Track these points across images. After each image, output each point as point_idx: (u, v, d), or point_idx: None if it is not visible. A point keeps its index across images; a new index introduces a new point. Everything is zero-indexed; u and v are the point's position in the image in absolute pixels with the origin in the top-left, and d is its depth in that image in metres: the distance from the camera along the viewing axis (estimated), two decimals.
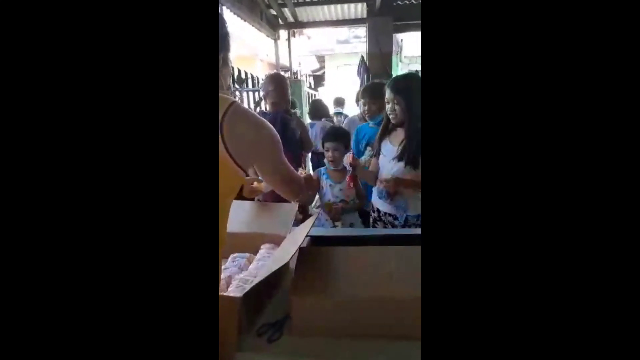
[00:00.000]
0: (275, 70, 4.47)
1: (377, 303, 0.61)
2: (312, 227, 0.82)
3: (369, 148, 1.52)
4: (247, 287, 0.67)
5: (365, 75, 3.47)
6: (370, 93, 1.79)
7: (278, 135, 0.67)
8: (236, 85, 2.87)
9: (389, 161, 1.30)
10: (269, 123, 0.66)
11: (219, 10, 2.66)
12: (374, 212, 1.40)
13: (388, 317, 0.60)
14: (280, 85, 1.70)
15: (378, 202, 1.37)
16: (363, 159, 1.48)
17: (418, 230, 1.22)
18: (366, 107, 1.79)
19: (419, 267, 0.57)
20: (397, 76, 1.35)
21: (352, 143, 1.79)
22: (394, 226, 1.32)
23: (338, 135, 1.48)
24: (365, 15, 3.98)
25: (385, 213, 1.34)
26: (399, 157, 1.26)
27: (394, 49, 4.20)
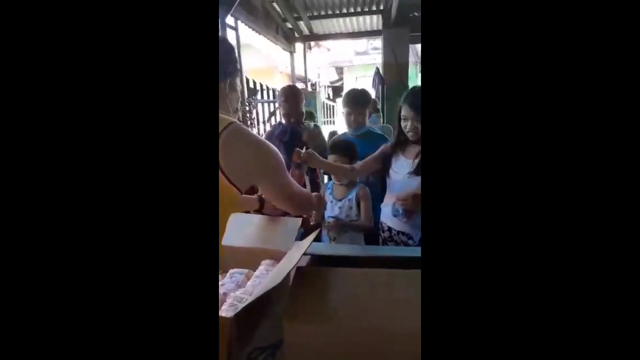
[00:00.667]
0: (290, 83, 4.53)
1: (378, 334, 0.56)
2: (312, 242, 0.79)
3: (359, 162, 1.39)
4: (241, 307, 0.63)
5: (380, 87, 3.44)
6: (356, 101, 1.59)
7: (279, 155, 0.66)
8: (247, 98, 2.90)
9: (403, 177, 1.23)
10: (269, 143, 0.65)
11: (236, 33, 2.74)
12: (384, 231, 1.32)
13: (389, 349, 0.55)
14: (291, 98, 1.69)
15: (389, 221, 1.28)
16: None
17: None
18: (352, 117, 1.57)
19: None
20: (412, 90, 1.23)
21: None
22: (406, 245, 1.25)
23: (341, 147, 1.40)
24: (381, 27, 3.97)
25: (398, 232, 1.26)
26: (416, 172, 1.18)
27: (413, 59, 4.15)
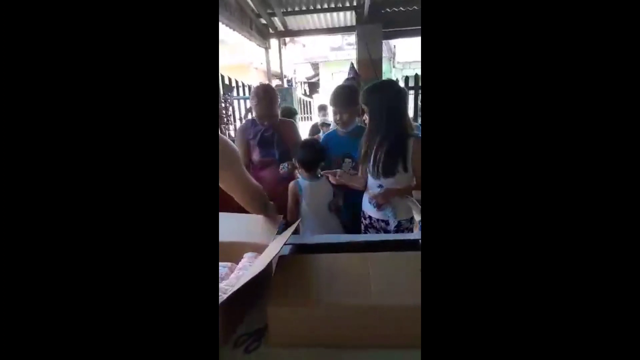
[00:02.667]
0: (264, 81, 4.47)
1: (357, 312, 0.59)
2: (290, 235, 0.82)
3: (347, 160, 1.47)
4: (225, 297, 0.66)
5: (355, 82, 3.49)
6: (343, 101, 1.50)
7: (234, 146, 0.71)
8: (223, 94, 2.87)
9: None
10: (223, 136, 0.70)
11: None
12: (365, 218, 1.40)
13: (367, 326, 0.59)
14: (264, 99, 1.59)
15: (369, 209, 1.36)
16: (342, 171, 1.43)
17: (407, 236, 1.22)
18: (339, 117, 1.51)
19: (404, 275, 0.59)
20: (364, 90, 1.33)
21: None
22: (386, 231, 1.32)
23: (306, 161, 1.44)
24: (354, 23, 4.02)
25: (377, 219, 1.35)
26: (372, 164, 1.29)
27: (386, 55, 4.23)
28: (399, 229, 1.31)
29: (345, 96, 1.51)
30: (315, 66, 9.71)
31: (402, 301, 0.58)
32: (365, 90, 1.29)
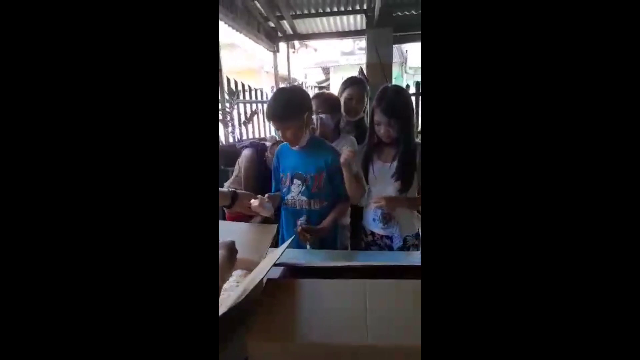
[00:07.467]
0: (273, 85, 4.37)
1: (349, 352, 0.52)
2: (283, 253, 0.74)
3: (297, 181, 1.21)
4: None
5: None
6: (280, 112, 1.10)
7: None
8: (227, 98, 2.81)
9: (382, 181, 1.22)
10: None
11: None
12: (366, 235, 1.30)
13: None
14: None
15: (372, 225, 1.27)
16: (291, 196, 1.22)
17: (412, 260, 1.09)
18: (280, 133, 1.15)
19: (406, 309, 0.56)
20: (382, 93, 1.17)
21: (273, 172, 1.31)
22: (391, 249, 1.23)
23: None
24: (364, 27, 3.95)
25: (381, 236, 1.26)
26: (396, 178, 1.18)
27: (398, 59, 4.12)
28: (404, 246, 1.22)
29: (284, 106, 1.11)
30: (326, 70, 9.71)
31: (401, 341, 0.50)
32: (383, 99, 1.15)
